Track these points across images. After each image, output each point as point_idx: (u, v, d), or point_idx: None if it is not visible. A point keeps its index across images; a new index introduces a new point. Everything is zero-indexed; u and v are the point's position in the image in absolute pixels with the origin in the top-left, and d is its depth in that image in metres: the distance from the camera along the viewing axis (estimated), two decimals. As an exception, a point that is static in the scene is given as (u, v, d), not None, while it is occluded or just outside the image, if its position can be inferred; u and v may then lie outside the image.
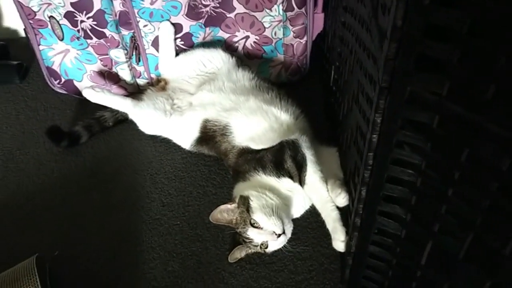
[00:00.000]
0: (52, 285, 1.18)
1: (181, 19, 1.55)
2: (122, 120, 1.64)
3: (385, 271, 1.00)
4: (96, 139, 1.62)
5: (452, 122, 0.68)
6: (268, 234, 1.16)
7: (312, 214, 1.32)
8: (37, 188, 1.48)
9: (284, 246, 1.24)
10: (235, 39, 1.62)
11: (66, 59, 1.66)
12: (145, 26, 1.56)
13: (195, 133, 1.45)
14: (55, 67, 1.67)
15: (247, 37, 1.61)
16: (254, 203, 1.20)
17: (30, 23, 1.58)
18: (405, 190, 0.83)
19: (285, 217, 1.21)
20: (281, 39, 1.62)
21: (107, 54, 1.64)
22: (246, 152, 1.34)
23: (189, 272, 1.23)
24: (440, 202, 0.78)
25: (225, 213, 1.23)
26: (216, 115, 1.41)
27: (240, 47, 1.64)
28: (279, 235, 1.17)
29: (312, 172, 1.24)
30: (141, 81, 1.72)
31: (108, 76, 1.69)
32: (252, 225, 1.18)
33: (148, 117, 1.51)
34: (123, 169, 1.51)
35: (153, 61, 1.65)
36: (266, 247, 1.19)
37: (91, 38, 1.60)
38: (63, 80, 1.70)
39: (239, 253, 1.22)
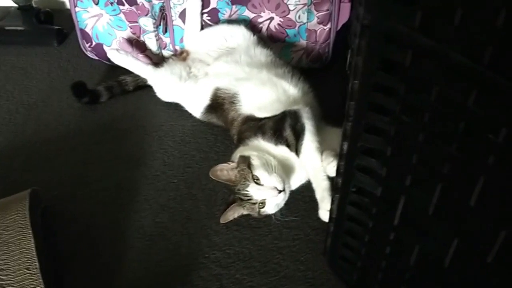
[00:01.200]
0: (44, 223, 1.21)
1: (210, -8, 1.60)
2: (142, 86, 1.70)
3: (362, 236, 0.98)
4: (115, 100, 1.68)
5: (425, 58, 0.68)
6: (268, 189, 1.17)
7: (308, 189, 1.31)
8: (52, 135, 1.55)
9: (274, 214, 1.24)
10: (260, 20, 1.65)
11: (99, 23, 1.74)
12: (174, -3, 1.62)
13: (206, 100, 1.48)
14: (88, 29, 1.76)
15: (271, 19, 1.64)
16: (255, 161, 1.22)
17: (70, -15, 1.67)
18: (381, 140, 0.82)
19: (285, 177, 1.22)
20: (304, 23, 1.64)
21: (136, 22, 1.71)
22: (250, 120, 1.36)
23: (176, 225, 1.25)
24: (412, 151, 0.77)
25: (225, 170, 1.25)
26: (228, 84, 1.44)
27: (264, 28, 1.67)
28: (280, 191, 1.17)
29: (308, 141, 1.24)
30: (166, 53, 1.78)
31: (136, 44, 1.76)
32: (254, 180, 1.19)
33: (164, 81, 1.56)
34: (134, 129, 1.56)
35: (179, 33, 1.71)
36: (263, 207, 1.19)
37: (123, 5, 1.68)
38: (94, 43, 1.79)
39: (232, 214, 1.23)
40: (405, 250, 0.88)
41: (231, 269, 1.14)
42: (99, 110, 1.65)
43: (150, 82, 1.64)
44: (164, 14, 1.67)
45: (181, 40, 1.72)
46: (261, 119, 1.33)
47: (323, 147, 1.26)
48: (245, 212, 1.24)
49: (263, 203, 1.20)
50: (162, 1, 1.65)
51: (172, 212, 1.28)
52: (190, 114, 1.59)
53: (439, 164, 0.73)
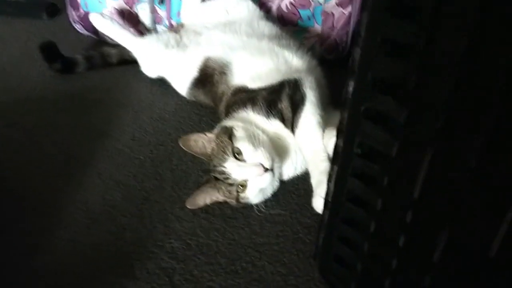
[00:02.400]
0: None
1: (215, -42, 1.39)
2: (128, 61, 1.47)
3: (366, 227, 0.69)
4: (94, 72, 1.45)
5: None
6: (252, 166, 0.91)
7: (304, 181, 1.03)
8: (10, 98, 1.31)
9: (257, 205, 0.95)
10: (271, -3, 1.43)
11: (90, -12, 1.54)
12: (175, -39, 1.41)
13: (194, 72, 1.23)
14: (77, -5, 1.55)
15: (284, -4, 1.42)
16: (238, 133, 0.96)
17: None
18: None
19: (274, 156, 0.94)
20: (321, 4, 1.41)
21: (131, -11, 1.50)
22: (240, 91, 1.10)
23: (128, 205, 0.97)
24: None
25: (200, 141, 0.98)
26: (220, 53, 1.20)
27: (274, 8, 1.45)
28: (266, 170, 0.89)
29: (309, 114, 0.97)
30: (160, 28, 1.55)
31: (128, 16, 1.54)
32: (234, 155, 0.92)
33: (149, 48, 1.33)
34: (107, 101, 1.32)
35: (177, 5, 1.49)
36: (243, 191, 0.92)
37: (118, -34, 1.47)
38: (82, 12, 1.58)
39: (202, 198, 0.95)
40: (428, 239, 0.59)
41: (188, 263, 0.85)
42: (72, 80, 1.42)
43: (134, 53, 1.40)
44: (162, -20, 1.46)
45: (179, 14, 1.50)
46: (253, 90, 1.06)
47: (325, 125, 0.98)
48: (220, 198, 0.96)
49: (243, 186, 0.92)
50: (162, -36, 1.44)
51: (127, 190, 1.01)
52: (176, 93, 1.33)
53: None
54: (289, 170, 1.01)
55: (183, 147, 0.96)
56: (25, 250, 0.87)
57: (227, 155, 0.92)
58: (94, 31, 1.60)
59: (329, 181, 0.74)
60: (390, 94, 0.56)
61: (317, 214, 0.91)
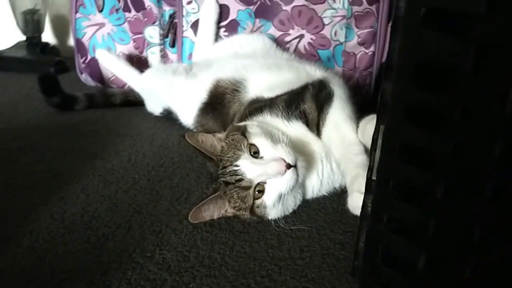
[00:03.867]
0: None
1: (230, -1, 1.35)
2: (132, 103, 1.36)
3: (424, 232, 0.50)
4: (95, 111, 1.32)
5: None
6: (271, 162, 0.72)
7: (330, 200, 0.85)
8: (2, 127, 1.18)
9: (274, 220, 0.76)
10: (287, 39, 1.35)
11: (98, 33, 1.49)
12: (188, 3, 1.37)
13: (203, 96, 1.11)
14: (85, 40, 1.50)
15: (301, 36, 1.34)
16: (253, 129, 0.80)
17: (76, -13, 1.47)
18: None
19: (298, 156, 0.77)
20: (342, 43, 1.32)
21: (141, 33, 1.45)
22: (256, 102, 0.96)
23: (114, 216, 0.78)
24: None
25: (208, 139, 0.81)
26: (233, 73, 1.08)
27: (291, 49, 1.36)
28: (288, 166, 0.71)
29: (337, 108, 0.82)
30: (170, 72, 1.46)
31: (137, 61, 1.47)
32: (250, 151, 0.75)
33: (156, 76, 1.22)
34: (105, 132, 1.18)
35: (188, 48, 1.42)
36: (260, 196, 0.73)
37: (129, 11, 1.44)
38: (89, 57, 1.51)
39: (209, 211, 0.77)
40: None
41: (184, 276, 0.64)
42: (69, 114, 1.29)
43: (139, 90, 1.30)
44: (174, 23, 1.40)
45: (190, 57, 1.42)
46: (272, 98, 0.92)
47: (356, 122, 0.82)
48: (229, 211, 0.77)
49: (261, 191, 0.74)
50: (174, 7, 1.39)
51: (114, 203, 0.83)
52: (181, 127, 1.19)
53: None
54: (314, 184, 0.83)
55: (188, 141, 0.79)
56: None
57: (241, 151, 0.75)
58: (100, 79, 1.52)
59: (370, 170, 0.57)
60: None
61: (352, 231, 0.72)
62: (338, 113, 0.81)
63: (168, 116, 1.24)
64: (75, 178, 0.91)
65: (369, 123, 0.75)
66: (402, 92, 0.50)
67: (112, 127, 1.19)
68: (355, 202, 0.69)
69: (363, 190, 0.61)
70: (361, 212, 0.60)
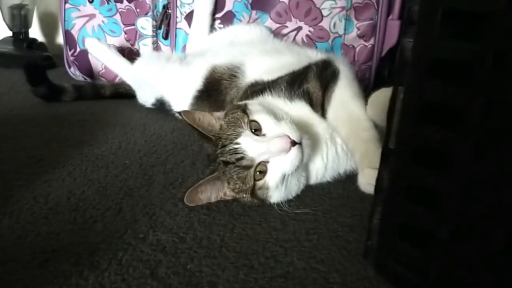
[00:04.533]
0: None
1: (225, -11, 1.30)
2: (123, 95, 1.30)
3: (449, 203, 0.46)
4: (83, 102, 1.26)
5: None
6: (274, 139, 0.67)
7: (334, 186, 0.80)
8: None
9: (276, 204, 0.70)
10: (285, 31, 1.31)
11: (89, 24, 1.43)
12: (183, -7, 1.33)
13: (197, 84, 1.05)
14: (74, 31, 1.44)
15: (299, 29, 1.30)
16: (254, 107, 0.74)
17: (66, -24, 1.42)
18: None
19: (303, 134, 0.71)
20: (340, 36, 1.29)
21: (133, 25, 1.40)
22: (255, 85, 0.91)
23: (103, 199, 0.72)
24: None
25: (206, 117, 0.76)
26: (229, 58, 1.03)
27: (289, 42, 1.31)
28: (293, 143, 0.66)
29: (344, 86, 0.77)
30: (162, 65, 1.41)
31: (128, 54, 1.41)
32: (251, 128, 0.70)
33: (148, 64, 1.16)
34: (93, 121, 1.12)
35: (182, 40, 1.37)
36: (262, 177, 0.68)
37: (121, 2, 1.39)
38: (77, 50, 1.45)
39: (206, 193, 0.71)
40: None
41: (180, 257, 0.58)
42: (56, 105, 1.23)
43: (130, 81, 1.25)
44: (167, 13, 1.36)
45: (183, 49, 1.37)
46: (272, 80, 0.87)
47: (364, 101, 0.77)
48: (228, 193, 0.72)
49: (262, 172, 0.68)
50: (168, -3, 1.35)
51: (103, 187, 0.77)
52: (175, 118, 1.14)
53: None
54: (318, 168, 0.78)
55: (185, 118, 0.73)
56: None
57: (241, 128, 0.70)
58: (89, 72, 1.46)
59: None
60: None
61: (360, 214, 0.67)
62: (344, 91, 0.77)
63: (161, 108, 1.18)
64: (61, 163, 0.85)
65: (381, 95, 0.70)
66: (425, 45, 0.46)
67: (101, 117, 1.14)
68: (367, 178, 0.64)
69: (375, 165, 0.57)
70: (376, 186, 0.55)
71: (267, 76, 0.90)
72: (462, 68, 0.44)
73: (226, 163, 0.70)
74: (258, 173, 0.69)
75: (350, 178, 0.81)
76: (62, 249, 0.58)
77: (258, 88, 0.86)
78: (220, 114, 0.77)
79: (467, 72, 0.43)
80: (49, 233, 0.62)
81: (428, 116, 0.47)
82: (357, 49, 1.29)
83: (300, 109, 0.79)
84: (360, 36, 1.29)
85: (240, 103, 0.78)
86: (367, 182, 0.66)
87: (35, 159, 0.86)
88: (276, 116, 0.72)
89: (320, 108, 0.79)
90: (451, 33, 0.45)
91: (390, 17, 1.28)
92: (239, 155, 0.69)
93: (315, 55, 0.95)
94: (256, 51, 1.00)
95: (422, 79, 0.47)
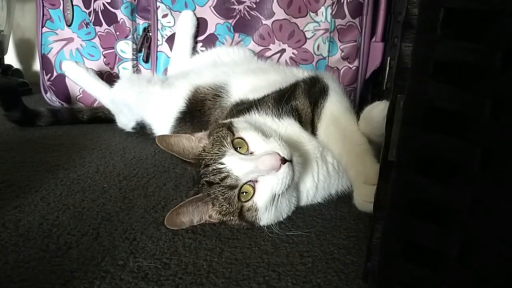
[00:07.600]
0: None
1: (207, 12, 1.29)
2: (101, 119, 1.25)
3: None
4: (60, 127, 1.21)
5: None
6: (263, 156, 0.63)
7: (327, 208, 0.76)
8: None
9: (267, 227, 0.66)
10: (268, 53, 1.29)
11: (66, 48, 1.39)
12: (164, 16, 1.31)
13: (180, 105, 1.02)
14: (51, 56, 1.40)
15: (282, 51, 1.28)
16: (240, 125, 0.70)
17: (42, 2, 1.39)
18: None
19: (293, 152, 0.67)
20: (325, 58, 1.27)
21: (112, 48, 1.36)
22: (240, 104, 0.87)
23: (79, 225, 0.66)
24: None
25: (183, 141, 0.71)
26: (213, 79, 1.00)
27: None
28: (284, 161, 0.62)
29: (334, 102, 0.75)
30: (142, 89, 1.37)
31: (107, 78, 1.37)
32: (235, 147, 0.65)
33: (128, 87, 1.12)
34: (70, 145, 1.06)
35: (163, 63, 1.34)
36: (250, 198, 0.64)
37: (100, 25, 1.36)
38: (54, 74, 1.41)
39: (189, 216, 0.67)
40: None
41: (163, 284, 0.53)
42: (31, 130, 1.17)
43: (109, 105, 1.20)
44: (148, 37, 1.33)
45: (165, 72, 1.34)
46: (258, 98, 0.84)
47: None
48: (214, 216, 0.67)
49: (247, 192, 0.64)
50: (148, 20, 1.32)
51: (79, 212, 0.71)
52: (154, 140, 1.09)
53: None
54: (309, 188, 0.74)
55: (159, 145, 0.69)
56: None
57: (226, 147, 0.66)
58: (66, 97, 1.41)
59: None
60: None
61: (356, 236, 0.63)
62: (335, 106, 0.74)
63: (141, 131, 1.14)
64: (34, 188, 0.79)
65: (374, 109, 0.67)
66: (427, 48, 0.43)
67: (78, 142, 1.08)
68: (364, 196, 0.61)
69: (372, 181, 0.53)
70: (374, 203, 0.51)
71: (253, 94, 0.86)
72: (467, 71, 0.41)
73: (210, 184, 0.65)
74: (244, 193, 0.65)
75: (342, 199, 0.77)
76: (32, 279, 0.53)
77: (244, 107, 0.83)
78: (202, 134, 0.73)
79: (473, 75, 0.40)
80: (18, 261, 0.56)
81: (432, 123, 0.44)
82: (342, 71, 1.28)
83: (289, 127, 0.75)
84: (344, 58, 1.27)
85: (225, 121, 0.74)
86: (364, 199, 0.62)
87: (5, 184, 0.80)
88: (264, 133, 0.68)
89: (310, 125, 0.76)
90: (454, 34, 0.42)
91: (374, 39, 1.27)
92: (223, 175, 0.64)
93: (301, 73, 0.92)
94: (241, 70, 0.97)
95: (425, 83, 0.44)
